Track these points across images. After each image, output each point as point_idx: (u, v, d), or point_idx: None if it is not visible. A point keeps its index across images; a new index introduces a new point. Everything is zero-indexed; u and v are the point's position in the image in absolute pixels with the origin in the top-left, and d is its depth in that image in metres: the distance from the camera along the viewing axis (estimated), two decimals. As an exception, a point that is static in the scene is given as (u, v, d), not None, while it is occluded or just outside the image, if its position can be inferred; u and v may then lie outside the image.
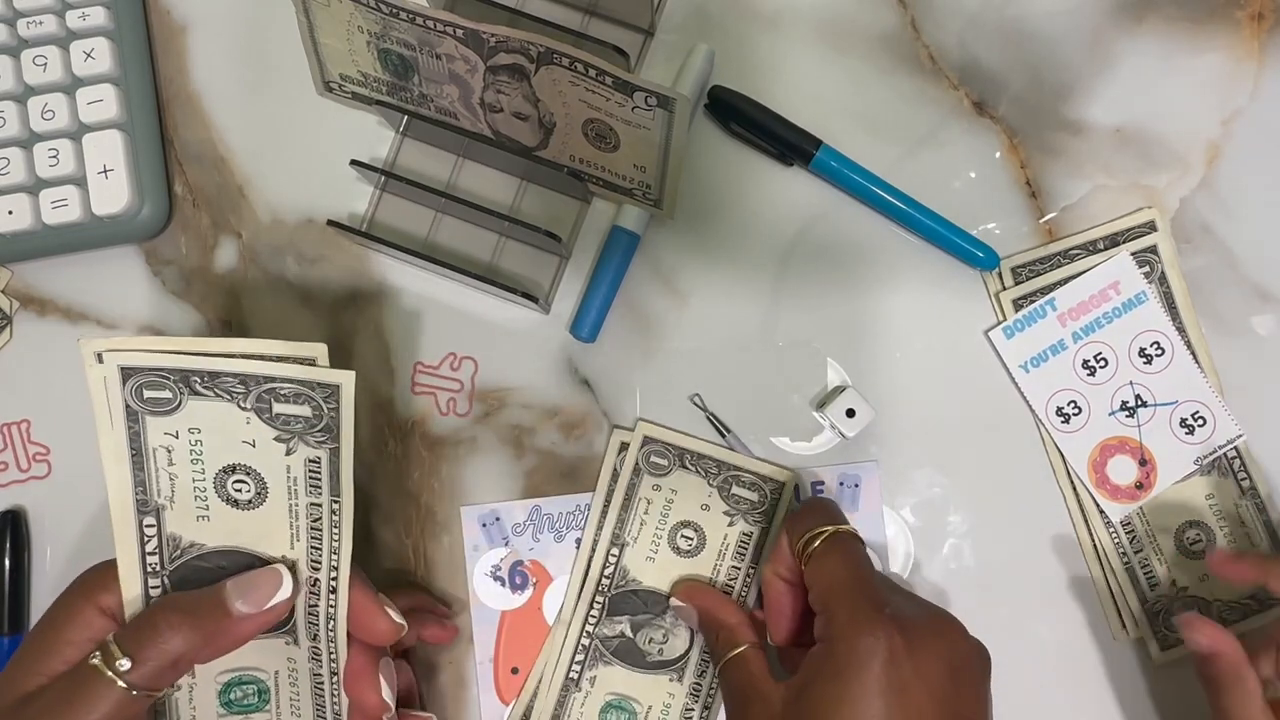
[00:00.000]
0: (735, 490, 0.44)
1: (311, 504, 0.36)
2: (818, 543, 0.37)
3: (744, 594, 0.44)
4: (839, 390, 0.45)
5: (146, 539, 0.36)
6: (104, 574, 0.36)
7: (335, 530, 0.37)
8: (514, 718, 0.45)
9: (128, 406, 0.35)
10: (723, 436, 0.45)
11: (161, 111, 0.47)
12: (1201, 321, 0.45)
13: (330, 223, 0.44)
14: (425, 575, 0.45)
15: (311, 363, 0.35)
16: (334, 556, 0.37)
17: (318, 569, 0.37)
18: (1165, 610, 0.45)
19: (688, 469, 0.44)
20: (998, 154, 0.46)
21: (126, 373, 0.34)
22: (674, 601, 0.43)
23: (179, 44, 0.47)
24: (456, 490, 0.46)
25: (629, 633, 0.44)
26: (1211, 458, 0.45)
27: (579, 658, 0.44)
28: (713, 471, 0.44)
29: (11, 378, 0.47)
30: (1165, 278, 0.45)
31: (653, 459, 0.44)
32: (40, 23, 0.45)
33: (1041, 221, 0.46)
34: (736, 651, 0.39)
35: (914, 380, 0.45)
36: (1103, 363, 0.45)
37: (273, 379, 0.35)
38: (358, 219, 0.46)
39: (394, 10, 0.38)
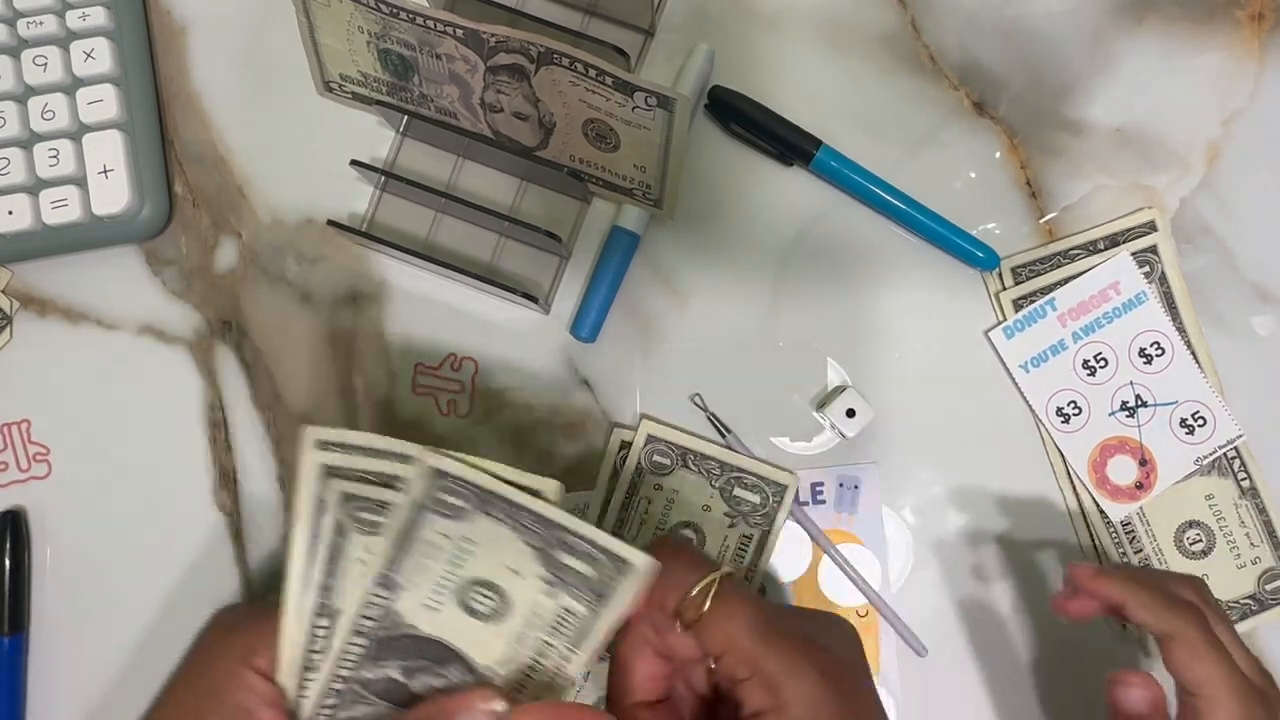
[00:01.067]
0: (738, 492, 0.44)
1: (545, 641, 0.33)
2: (707, 600, 0.32)
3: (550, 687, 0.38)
4: (839, 390, 0.45)
5: (315, 638, 0.34)
6: (250, 633, 0.35)
7: (557, 677, 0.33)
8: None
9: (338, 522, 0.33)
10: (723, 436, 0.45)
11: (161, 111, 0.47)
12: (1201, 321, 0.45)
13: (330, 223, 0.44)
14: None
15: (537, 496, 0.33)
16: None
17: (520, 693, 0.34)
18: (1165, 610, 0.45)
19: (690, 469, 0.44)
20: (998, 154, 0.46)
21: (347, 497, 0.33)
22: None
23: (179, 44, 0.47)
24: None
25: (400, 677, 0.36)
26: (1211, 458, 0.45)
27: (330, 702, 0.37)
28: (715, 473, 0.44)
29: (11, 378, 0.46)
30: (1165, 278, 0.45)
31: (655, 458, 0.44)
32: (40, 23, 0.45)
33: (1041, 221, 0.46)
34: None
35: (914, 380, 0.45)
36: (1103, 363, 0.45)
37: (568, 531, 0.32)
38: (358, 219, 0.46)
39: (394, 10, 0.38)
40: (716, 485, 0.44)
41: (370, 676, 0.35)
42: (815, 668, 0.31)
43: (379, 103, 0.44)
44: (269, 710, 0.34)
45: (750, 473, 0.44)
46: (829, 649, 0.32)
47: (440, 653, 0.35)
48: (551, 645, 0.34)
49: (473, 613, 0.34)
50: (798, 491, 0.45)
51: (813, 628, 0.33)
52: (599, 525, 0.39)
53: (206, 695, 0.34)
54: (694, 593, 0.32)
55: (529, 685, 0.34)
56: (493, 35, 0.37)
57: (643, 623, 0.34)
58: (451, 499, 0.33)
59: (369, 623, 0.35)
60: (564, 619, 0.33)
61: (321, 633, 0.34)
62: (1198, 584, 0.37)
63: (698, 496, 0.44)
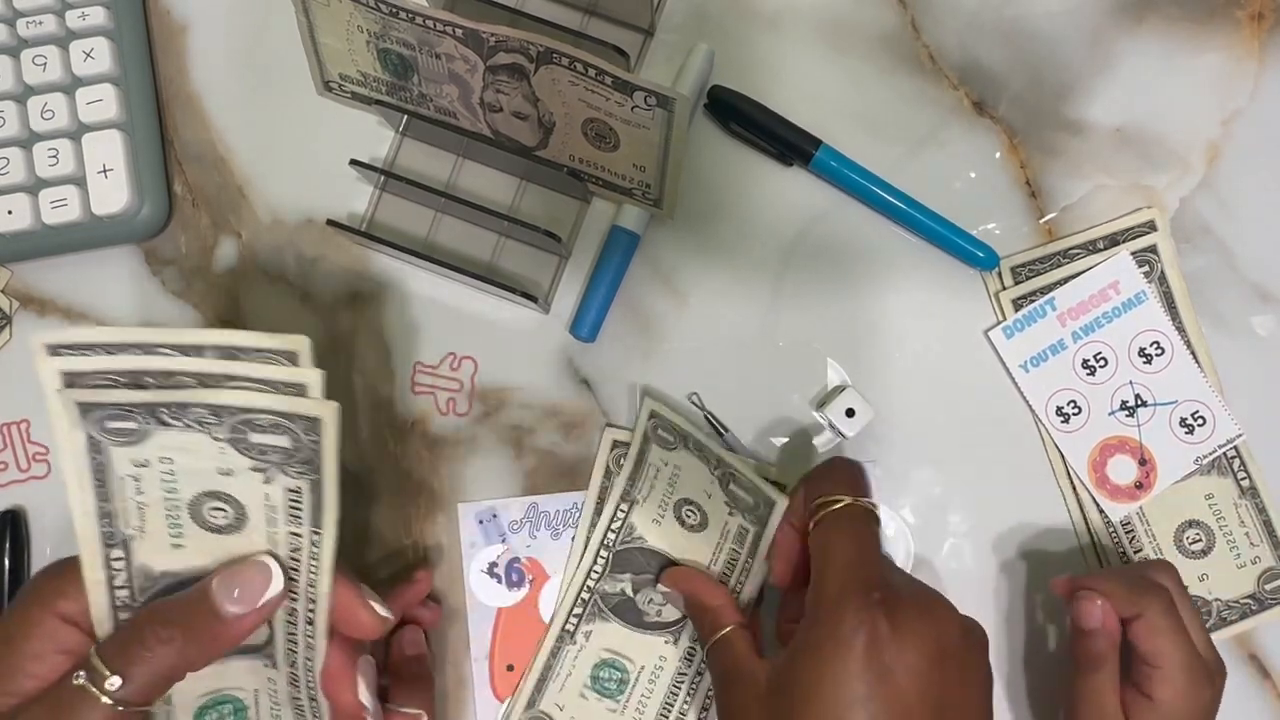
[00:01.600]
0: (732, 488, 0.44)
1: (291, 533, 0.34)
2: (825, 512, 0.37)
3: (740, 582, 0.44)
4: (839, 390, 0.45)
5: (114, 573, 0.34)
6: (60, 579, 0.34)
7: (314, 562, 0.34)
8: (513, 711, 0.44)
9: (90, 438, 0.32)
10: (721, 436, 0.45)
11: (161, 111, 0.47)
12: (1201, 321, 0.45)
13: (330, 222, 0.44)
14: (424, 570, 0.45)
15: (294, 358, 0.33)
16: (311, 589, 0.35)
17: (294, 599, 0.35)
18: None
19: (691, 451, 0.44)
20: (998, 154, 0.46)
21: (85, 408, 0.32)
22: (660, 587, 0.43)
23: (179, 44, 0.47)
24: (456, 490, 0.46)
25: (629, 591, 0.44)
26: (1211, 457, 0.45)
27: (577, 610, 0.44)
28: (712, 463, 0.44)
29: (11, 378, 0.46)
30: (1165, 277, 0.45)
31: (660, 432, 0.44)
32: (40, 22, 0.45)
33: (1041, 221, 0.46)
34: (722, 633, 0.39)
35: (914, 380, 0.45)
36: (1102, 362, 0.45)
37: (250, 410, 0.32)
38: (357, 219, 0.46)
39: (393, 10, 0.38)
40: (715, 474, 0.44)
41: (608, 589, 0.44)
42: (860, 608, 0.33)
43: (378, 102, 0.44)
44: (63, 656, 0.33)
45: (745, 476, 0.43)
46: (894, 608, 0.33)
47: (662, 565, 0.43)
48: (738, 552, 0.42)
49: (683, 524, 0.43)
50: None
51: (899, 591, 0.35)
52: (592, 527, 0.45)
53: (6, 646, 0.33)
54: (815, 502, 0.38)
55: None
56: (492, 35, 0.37)
57: (795, 504, 0.40)
58: (665, 434, 0.43)
59: (612, 535, 0.43)
60: (743, 533, 0.42)
61: (118, 565, 0.34)
62: (1168, 568, 0.40)
63: (699, 479, 0.44)
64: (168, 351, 0.32)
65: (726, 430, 0.45)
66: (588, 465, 0.45)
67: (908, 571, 0.45)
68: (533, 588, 0.45)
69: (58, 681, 0.32)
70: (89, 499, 0.33)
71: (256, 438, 0.33)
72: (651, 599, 0.44)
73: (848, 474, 0.39)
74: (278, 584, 0.34)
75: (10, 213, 0.44)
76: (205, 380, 0.32)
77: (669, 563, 0.44)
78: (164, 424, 0.32)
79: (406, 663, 0.42)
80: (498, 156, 0.45)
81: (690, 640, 0.44)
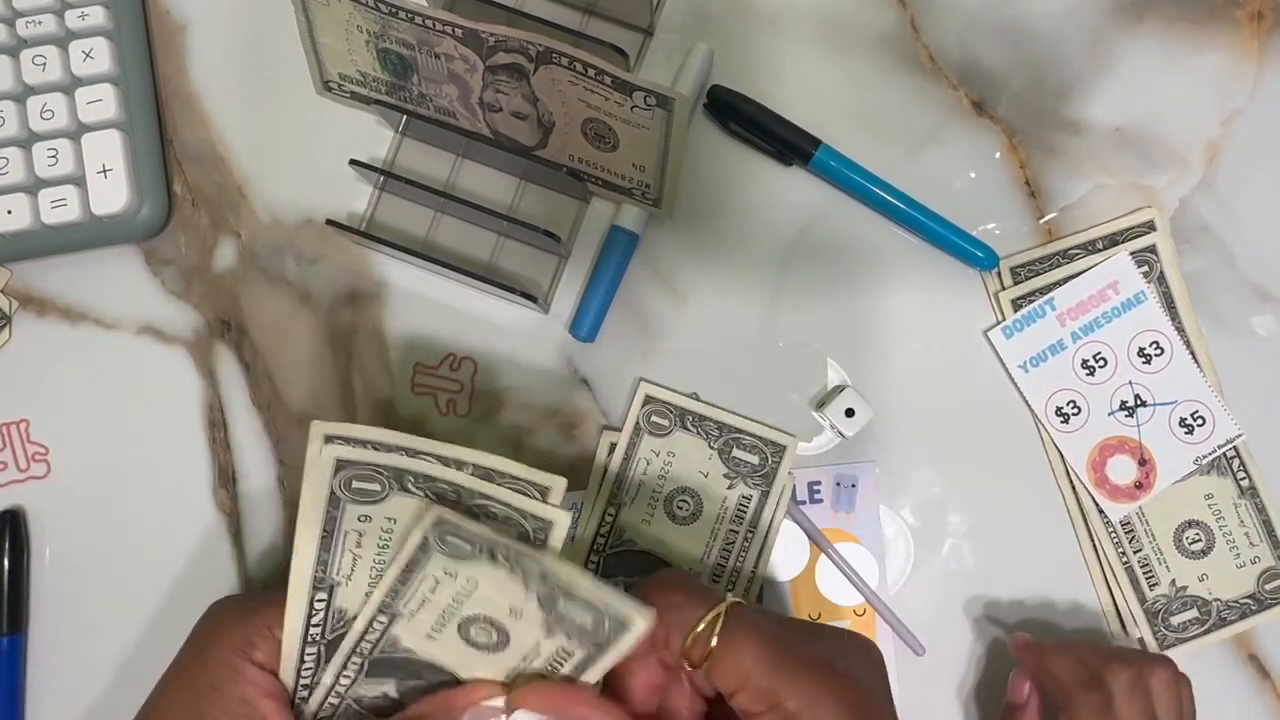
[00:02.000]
0: (736, 453, 0.44)
1: (730, 530, 0.35)
2: (714, 636, 0.31)
3: (741, 557, 0.43)
4: (838, 390, 0.45)
5: (314, 611, 0.35)
6: (247, 626, 0.35)
7: (742, 555, 0.35)
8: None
9: (333, 493, 0.34)
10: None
11: (161, 111, 0.47)
12: (1201, 321, 0.45)
13: (329, 222, 0.44)
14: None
15: (545, 493, 0.34)
16: (734, 575, 0.35)
17: (716, 581, 0.36)
18: (1164, 610, 0.44)
19: (688, 430, 0.44)
20: (997, 154, 0.46)
21: (341, 464, 0.33)
22: (517, 715, 0.34)
23: (178, 44, 0.47)
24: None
25: (395, 694, 0.37)
26: (1211, 457, 0.45)
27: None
28: (714, 434, 0.44)
29: (11, 378, 0.46)
30: (1164, 277, 0.45)
31: (653, 419, 0.44)
32: (39, 22, 0.45)
33: (1041, 221, 0.46)
34: None
35: (913, 380, 0.45)
36: (1102, 362, 0.45)
37: (489, 498, 0.34)
38: (357, 218, 0.46)
39: (393, 9, 0.38)
40: (715, 446, 0.44)
41: (365, 692, 0.36)
42: (836, 699, 0.30)
43: (378, 102, 0.44)
44: (270, 701, 0.34)
45: (749, 433, 0.44)
46: (853, 676, 0.31)
47: (437, 675, 0.36)
48: (735, 532, 0.37)
49: (472, 643, 0.34)
50: (794, 490, 0.45)
51: (833, 650, 0.32)
52: (587, 522, 0.43)
53: (207, 689, 0.34)
54: (699, 629, 0.31)
55: None
56: (491, 35, 0.37)
57: (646, 642, 0.32)
58: (457, 541, 0.33)
59: (367, 644, 0.35)
60: (562, 658, 0.33)
61: (320, 605, 0.35)
62: (1129, 668, 0.38)
63: (695, 458, 0.44)
64: (430, 459, 0.34)
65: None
66: (588, 465, 0.45)
67: (906, 575, 0.45)
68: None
69: None
70: (314, 544, 0.34)
71: (564, 607, 0.32)
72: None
73: (685, 585, 0.33)
74: None
75: (10, 212, 0.44)
76: (463, 495, 0.34)
77: (449, 677, 0.36)
78: (405, 490, 0.34)
79: None
80: (497, 156, 0.45)
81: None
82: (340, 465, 0.33)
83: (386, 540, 0.34)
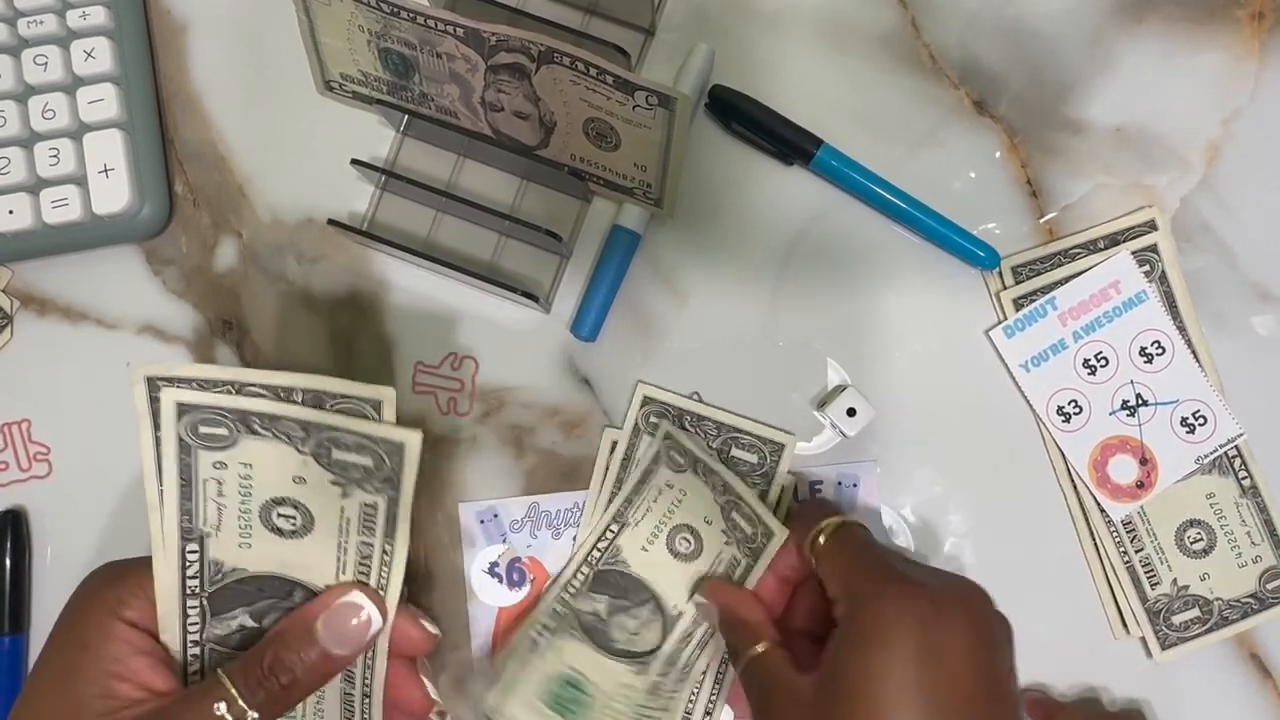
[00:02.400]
0: (735, 453, 0.44)
1: (363, 542, 0.36)
2: (824, 536, 0.37)
3: (730, 573, 0.44)
4: (839, 389, 0.45)
5: (188, 564, 0.35)
6: (119, 585, 0.35)
7: (385, 570, 0.36)
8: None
9: (181, 440, 0.34)
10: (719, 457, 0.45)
11: (162, 111, 0.47)
12: (1201, 321, 0.45)
13: (331, 222, 0.44)
14: (424, 573, 0.45)
15: (377, 406, 0.35)
16: (380, 594, 0.37)
17: (698, 624, 0.41)
18: (1166, 609, 0.44)
19: (687, 430, 0.44)
20: (998, 153, 0.46)
21: (183, 408, 0.34)
22: (696, 599, 0.42)
23: (179, 43, 0.47)
24: (456, 490, 0.45)
25: (603, 613, 0.43)
26: (1212, 457, 0.45)
27: (549, 623, 0.44)
28: (712, 433, 0.44)
29: (11, 377, 0.46)
30: (1165, 277, 0.45)
31: (652, 420, 0.44)
32: (40, 22, 0.45)
33: (1042, 221, 0.46)
34: (758, 649, 0.37)
35: (914, 380, 0.45)
36: (1103, 362, 0.45)
37: (336, 429, 0.34)
38: (358, 218, 0.46)
39: (395, 9, 0.38)
40: (714, 445, 0.44)
41: (583, 608, 0.43)
42: (898, 601, 0.32)
43: (379, 102, 0.44)
44: (142, 658, 0.34)
45: (747, 433, 0.44)
46: (930, 590, 0.33)
47: (642, 593, 0.43)
48: (737, 560, 0.41)
49: (675, 553, 0.42)
50: (795, 489, 0.45)
51: (928, 576, 0.34)
52: (600, 503, 0.45)
53: (78, 649, 0.34)
54: (816, 529, 0.37)
55: None
56: (493, 34, 0.37)
57: (782, 553, 0.39)
58: (678, 456, 0.42)
59: (596, 554, 0.42)
60: (734, 564, 0.41)
61: (193, 558, 0.35)
62: None
63: (702, 505, 0.43)
64: (261, 392, 0.34)
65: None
66: (589, 465, 0.45)
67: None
68: (534, 587, 0.45)
69: (186, 702, 0.33)
70: (173, 495, 0.35)
71: (340, 455, 0.35)
72: (624, 625, 0.43)
73: (825, 503, 0.40)
74: (376, 623, 0.36)
75: (11, 212, 0.44)
76: (310, 431, 0.35)
77: (650, 593, 0.43)
78: (253, 432, 0.34)
79: None
80: (499, 156, 0.45)
81: (658, 674, 0.43)
82: (182, 410, 0.34)
83: (248, 487, 0.35)
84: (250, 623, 0.36)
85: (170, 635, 0.36)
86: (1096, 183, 0.46)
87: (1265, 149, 0.45)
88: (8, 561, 0.45)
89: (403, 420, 0.45)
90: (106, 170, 0.45)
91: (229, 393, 0.34)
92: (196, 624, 0.36)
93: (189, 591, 0.35)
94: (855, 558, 0.36)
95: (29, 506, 0.46)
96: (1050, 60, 0.46)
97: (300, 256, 0.46)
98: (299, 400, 0.34)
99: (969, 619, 0.33)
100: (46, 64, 0.45)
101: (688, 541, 0.42)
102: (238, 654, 0.36)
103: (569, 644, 0.43)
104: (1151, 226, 0.45)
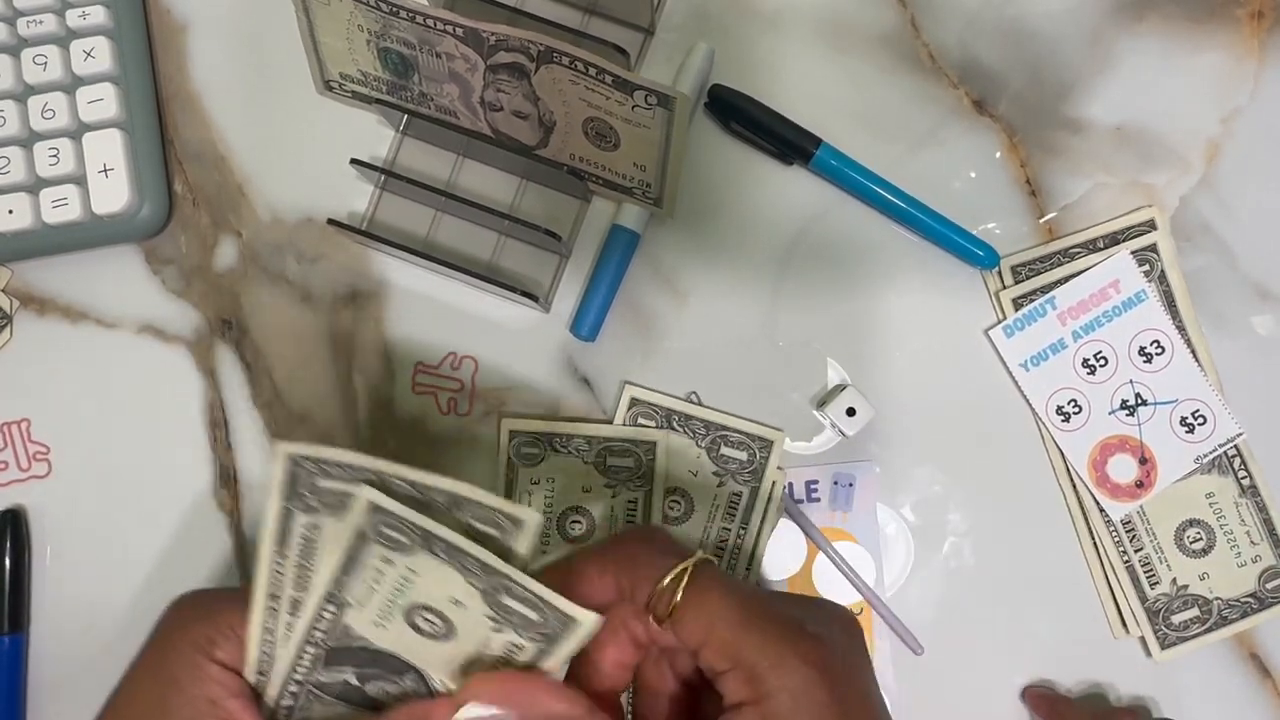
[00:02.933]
0: (724, 450, 0.44)
1: (723, 528, 0.37)
2: (678, 590, 0.30)
3: (735, 553, 0.43)
4: (839, 389, 0.44)
5: (321, 617, 0.33)
6: (209, 624, 0.33)
7: (735, 554, 0.36)
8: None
9: (362, 532, 0.31)
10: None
11: (161, 110, 0.47)
12: (1201, 320, 0.45)
13: (330, 221, 0.44)
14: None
15: (515, 522, 0.31)
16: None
17: None
18: (1165, 608, 0.44)
19: (676, 429, 0.44)
20: (998, 153, 0.46)
21: (374, 508, 0.31)
22: (466, 711, 0.31)
23: (179, 43, 0.47)
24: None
25: (355, 680, 0.36)
26: (1211, 456, 0.45)
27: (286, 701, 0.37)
28: (700, 432, 0.44)
29: (11, 377, 0.46)
30: (1165, 276, 0.45)
31: (640, 420, 0.44)
32: (40, 22, 0.45)
33: (1041, 220, 0.46)
34: None
35: (914, 379, 0.45)
36: (1103, 361, 0.45)
37: (512, 580, 0.30)
38: (358, 218, 0.46)
39: (394, 9, 0.38)
40: (702, 445, 0.44)
41: (325, 680, 0.35)
42: (802, 657, 0.28)
43: (379, 101, 0.44)
44: (236, 700, 0.33)
45: (735, 430, 0.44)
46: (824, 638, 0.29)
47: (394, 663, 0.34)
48: (727, 529, 0.38)
49: (420, 631, 0.33)
50: (791, 487, 0.45)
51: (806, 613, 0.30)
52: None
53: (169, 686, 0.33)
54: (665, 582, 0.30)
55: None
56: (493, 34, 0.37)
57: (615, 610, 0.31)
58: (392, 533, 0.31)
59: (319, 634, 0.34)
60: (513, 650, 0.32)
61: (329, 616, 0.34)
62: None
63: (684, 457, 0.44)
64: (403, 486, 0.31)
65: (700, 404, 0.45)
66: (588, 464, 0.45)
67: (906, 575, 0.45)
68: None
69: None
70: (334, 563, 0.32)
71: (508, 601, 0.31)
72: (386, 690, 0.35)
73: (656, 540, 0.32)
74: None
75: (11, 212, 0.44)
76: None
77: (407, 665, 0.34)
78: (433, 554, 0.31)
79: None
80: (498, 155, 0.44)
81: None
82: (374, 508, 0.31)
83: (404, 589, 0.32)
84: (354, 681, 0.34)
85: (274, 678, 0.34)
86: (1096, 182, 0.45)
87: (1265, 148, 0.45)
88: (7, 561, 0.44)
89: (401, 419, 0.46)
90: (106, 170, 0.45)
91: (415, 506, 0.30)
92: (306, 669, 0.34)
93: (312, 640, 0.34)
94: (729, 614, 0.29)
95: (29, 506, 0.46)
96: (1050, 60, 0.46)
97: (300, 256, 0.46)
98: (441, 502, 0.31)
99: (852, 640, 0.30)
100: (46, 64, 0.45)
101: (431, 622, 0.33)
102: (332, 702, 0.35)
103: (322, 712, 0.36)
104: (1151, 226, 0.45)
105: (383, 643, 0.34)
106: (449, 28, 0.38)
